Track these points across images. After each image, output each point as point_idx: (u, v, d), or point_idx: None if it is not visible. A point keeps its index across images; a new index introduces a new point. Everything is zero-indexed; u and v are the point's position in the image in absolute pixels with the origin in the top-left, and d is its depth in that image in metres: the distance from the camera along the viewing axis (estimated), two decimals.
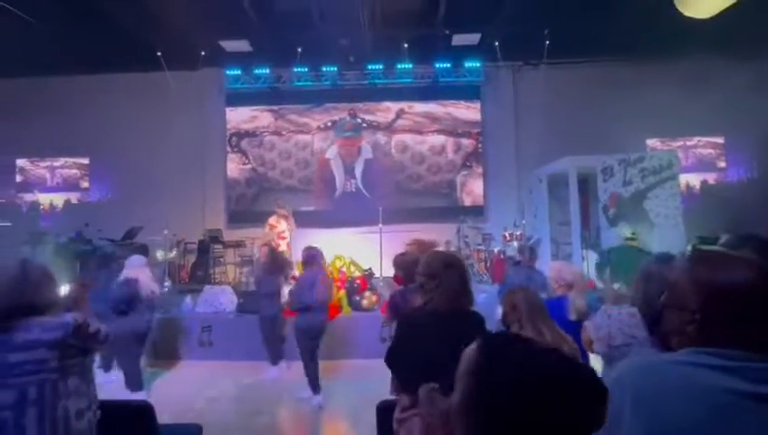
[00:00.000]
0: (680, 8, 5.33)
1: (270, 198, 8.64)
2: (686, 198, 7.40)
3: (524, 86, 8.95)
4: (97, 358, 3.83)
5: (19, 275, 1.54)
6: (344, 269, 6.23)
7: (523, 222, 8.06)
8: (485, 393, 0.61)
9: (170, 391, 4.35)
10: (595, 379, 0.62)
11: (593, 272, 5.69)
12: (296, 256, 6.50)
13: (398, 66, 8.61)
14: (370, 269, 6.91)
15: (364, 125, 8.96)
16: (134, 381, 4.04)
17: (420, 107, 8.97)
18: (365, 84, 8.92)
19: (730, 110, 7.98)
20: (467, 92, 9.05)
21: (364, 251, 7.43)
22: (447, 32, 7.72)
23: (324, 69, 8.62)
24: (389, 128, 8.96)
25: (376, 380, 2.48)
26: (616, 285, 4.40)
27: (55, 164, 9.26)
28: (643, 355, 1.15)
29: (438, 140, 8.83)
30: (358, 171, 8.79)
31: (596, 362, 1.85)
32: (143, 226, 7.44)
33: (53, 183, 9.25)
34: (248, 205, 8.92)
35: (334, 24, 7.00)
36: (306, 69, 8.54)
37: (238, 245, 8.17)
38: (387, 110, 8.99)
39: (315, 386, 3.89)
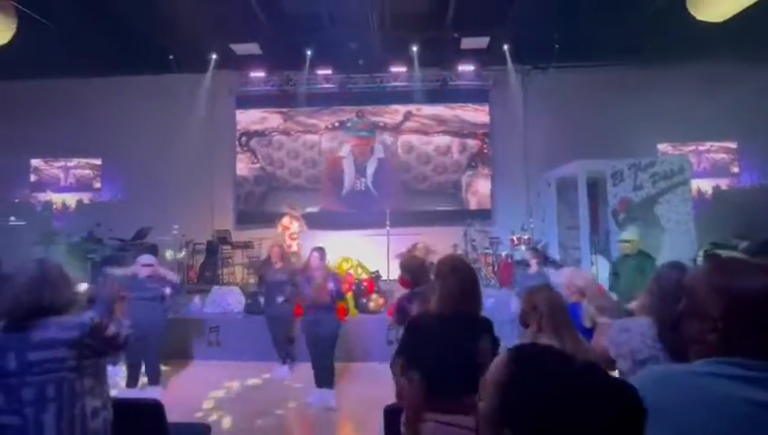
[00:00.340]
0: (693, 12, 5.28)
1: (278, 197, 8.75)
2: (697, 204, 7.29)
3: (533, 90, 8.91)
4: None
5: (37, 274, 1.56)
6: (351, 271, 6.24)
7: (531, 221, 7.99)
8: (517, 407, 0.60)
9: (178, 391, 4.39)
10: (635, 397, 0.59)
11: (603, 278, 5.63)
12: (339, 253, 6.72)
13: (407, 69, 8.63)
14: (377, 271, 6.91)
15: (380, 124, 9.02)
16: (154, 375, 4.12)
17: (428, 110, 9.00)
18: (373, 87, 8.97)
19: (743, 114, 7.87)
20: (476, 96, 9.05)
21: (371, 253, 7.44)
22: (456, 35, 7.73)
23: (333, 72, 8.68)
24: (396, 129, 9.02)
25: (382, 382, 2.48)
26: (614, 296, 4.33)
27: (69, 164, 9.42)
28: (663, 366, 1.12)
29: (444, 140, 8.87)
30: (370, 170, 8.85)
31: None
32: (153, 226, 7.53)
33: (66, 183, 9.41)
34: (256, 204, 9.01)
35: (343, 27, 7.04)
36: (316, 72, 8.60)
37: (246, 246, 8.22)
38: (395, 112, 9.05)
39: (331, 381, 3.93)
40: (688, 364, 0.79)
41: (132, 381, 4.12)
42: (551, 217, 7.69)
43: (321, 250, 4.12)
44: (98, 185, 9.38)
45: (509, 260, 7.29)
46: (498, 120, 9.06)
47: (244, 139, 9.06)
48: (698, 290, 0.81)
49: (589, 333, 2.16)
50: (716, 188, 8.97)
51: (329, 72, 8.68)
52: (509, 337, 3.72)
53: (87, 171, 9.43)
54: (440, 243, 7.14)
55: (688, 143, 9.01)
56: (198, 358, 5.30)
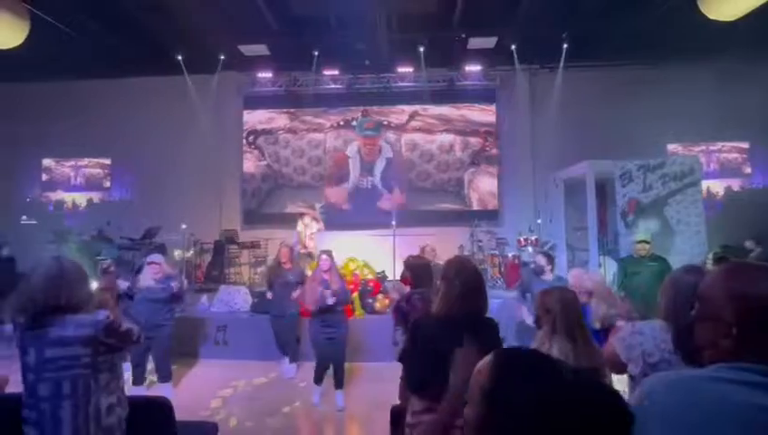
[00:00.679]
0: (704, 11, 5.21)
1: (284, 195, 8.88)
2: (708, 205, 7.18)
3: (541, 89, 8.85)
4: None
5: (54, 273, 1.58)
6: (357, 272, 6.25)
7: (539, 221, 7.94)
8: (501, 413, 0.59)
9: (186, 390, 4.42)
10: (620, 405, 0.58)
11: (612, 282, 5.57)
12: (345, 253, 6.75)
13: (414, 70, 8.63)
14: (383, 272, 6.91)
15: (384, 122, 9.05)
16: (165, 373, 4.16)
17: (434, 110, 9.02)
18: (380, 88, 8.98)
19: (755, 113, 7.74)
20: (483, 96, 9.03)
21: (377, 254, 7.44)
22: (463, 35, 7.70)
23: (340, 73, 8.71)
24: (401, 128, 9.07)
25: (388, 383, 2.48)
26: (621, 294, 4.24)
27: (79, 164, 9.57)
28: (674, 371, 1.10)
29: (447, 138, 8.94)
30: (378, 169, 8.90)
31: (619, 384, 1.77)
32: (161, 225, 7.61)
33: (77, 182, 9.55)
34: (263, 201, 9.12)
35: (351, 28, 7.06)
36: (323, 73, 8.63)
37: (253, 245, 8.27)
38: (400, 112, 9.08)
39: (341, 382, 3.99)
40: (701, 369, 0.77)
41: (138, 379, 4.16)
42: (558, 217, 7.63)
43: (329, 254, 4.14)
44: (107, 184, 9.51)
45: (516, 261, 7.25)
46: (505, 121, 9.01)
47: (251, 137, 9.17)
48: (712, 294, 0.80)
49: (597, 334, 2.14)
50: (728, 190, 8.84)
51: (336, 72, 8.71)
52: (516, 339, 3.70)
53: (97, 171, 9.57)
54: (446, 243, 7.13)
55: (699, 143, 8.89)
56: (206, 357, 5.34)
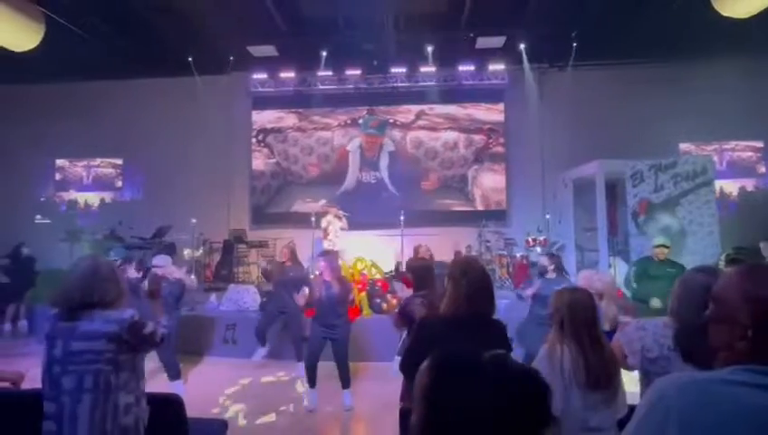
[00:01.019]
0: (718, 8, 5.13)
1: (292, 193, 9.01)
2: (721, 205, 7.06)
3: (550, 89, 8.79)
4: None
5: (89, 271, 1.64)
6: (365, 271, 6.26)
7: (547, 218, 7.87)
8: (434, 416, 0.61)
9: (195, 387, 4.47)
10: (542, 402, 0.61)
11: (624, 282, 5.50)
12: (353, 253, 7.03)
13: (422, 70, 8.63)
14: (391, 272, 6.92)
15: (390, 120, 9.11)
16: (174, 372, 4.21)
17: (441, 109, 9.04)
18: (388, 88, 9.00)
19: None
20: (491, 95, 9.00)
21: (385, 253, 7.45)
22: (472, 35, 7.68)
23: (348, 73, 8.74)
24: (407, 127, 9.14)
25: (396, 382, 2.48)
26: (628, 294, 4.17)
27: (92, 164, 9.73)
28: (687, 372, 1.09)
29: (451, 136, 9.00)
30: (383, 163, 9.01)
31: (629, 381, 1.75)
32: (172, 225, 7.70)
33: (89, 182, 9.72)
34: (272, 198, 9.22)
35: (359, 28, 7.08)
36: (330, 73, 8.67)
37: (261, 245, 8.34)
38: (407, 111, 9.12)
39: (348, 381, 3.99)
40: (715, 372, 0.76)
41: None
42: (567, 218, 7.56)
43: (329, 255, 4.16)
44: (119, 184, 9.66)
45: (524, 262, 7.20)
46: (514, 120, 8.96)
47: (261, 135, 9.30)
48: (728, 296, 0.79)
49: (607, 336, 2.11)
50: (742, 189, 8.68)
51: (344, 73, 8.75)
52: (525, 339, 3.68)
53: (109, 171, 9.72)
54: (454, 244, 7.12)
55: (712, 142, 8.74)
56: (215, 355, 5.39)
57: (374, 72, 8.83)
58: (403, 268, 6.86)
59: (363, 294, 5.75)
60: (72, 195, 9.68)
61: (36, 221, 9.08)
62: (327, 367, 4.01)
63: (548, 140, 8.75)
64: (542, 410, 0.61)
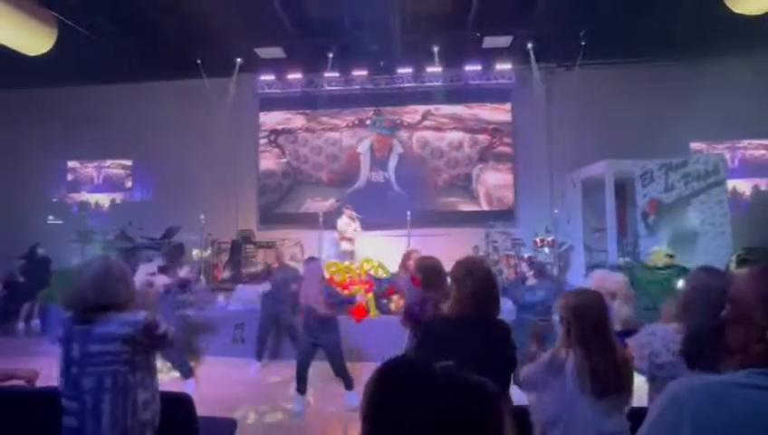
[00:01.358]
0: (729, 5, 5.05)
1: (304, 191, 9.14)
2: (733, 205, 6.94)
3: (558, 88, 8.71)
4: None
5: (102, 273, 1.67)
6: (372, 272, 6.27)
7: (555, 211, 7.80)
8: (380, 428, 0.61)
9: (204, 386, 4.50)
10: (489, 413, 0.60)
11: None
12: (361, 253, 7.31)
13: (428, 70, 8.61)
14: (397, 272, 6.90)
15: (397, 121, 9.17)
16: (185, 370, 4.27)
17: (447, 109, 9.04)
18: (395, 88, 9.00)
19: None
20: (498, 95, 8.95)
21: (392, 254, 7.44)
22: (478, 34, 7.65)
23: (355, 74, 8.77)
24: (413, 127, 9.19)
25: None
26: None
27: (102, 165, 9.88)
28: (700, 375, 1.07)
29: (456, 136, 9.05)
30: (392, 164, 9.08)
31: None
32: (181, 225, 7.78)
33: (100, 182, 9.87)
34: (283, 196, 9.31)
35: (365, 29, 7.09)
36: (337, 74, 8.71)
37: (268, 245, 8.38)
38: (413, 112, 9.14)
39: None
40: (729, 374, 0.76)
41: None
42: (576, 218, 7.50)
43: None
44: (129, 185, 9.78)
45: (532, 262, 7.15)
46: (521, 120, 8.91)
47: (272, 136, 9.41)
48: (744, 297, 0.78)
49: (620, 337, 2.06)
50: (755, 189, 8.53)
51: (350, 73, 8.77)
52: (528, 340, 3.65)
53: (119, 172, 9.85)
54: (461, 244, 7.09)
55: (724, 141, 8.60)
56: (223, 355, 5.43)
57: (381, 73, 8.83)
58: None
59: (370, 295, 5.76)
60: (84, 196, 9.83)
61: (49, 222, 9.24)
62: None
63: (556, 140, 8.68)
64: (489, 421, 0.60)
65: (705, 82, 7.61)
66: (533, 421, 1.71)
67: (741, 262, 5.06)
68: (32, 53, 6.17)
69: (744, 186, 8.52)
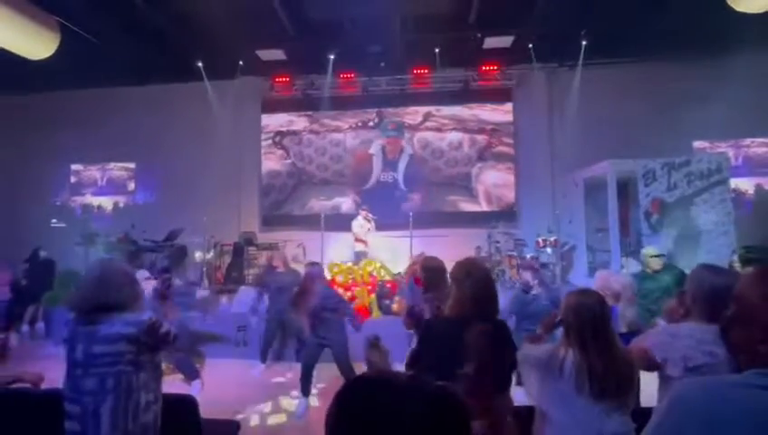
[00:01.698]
0: (732, 3, 5.04)
1: (309, 191, 9.25)
2: (737, 204, 6.91)
3: (559, 88, 8.71)
4: None
5: (101, 274, 1.67)
6: (374, 273, 6.26)
7: (557, 212, 7.79)
8: None
9: (207, 389, 4.50)
10: (446, 410, 0.59)
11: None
12: (374, 253, 7.41)
13: (429, 71, 8.63)
14: (400, 273, 6.90)
15: (402, 122, 9.24)
16: (190, 372, 4.28)
17: (448, 110, 9.07)
18: (396, 90, 9.02)
19: None
20: (499, 95, 8.95)
21: (395, 255, 7.45)
22: (479, 35, 7.65)
23: (356, 75, 8.79)
24: (414, 128, 9.25)
25: None
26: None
27: (106, 168, 9.92)
28: (706, 377, 1.07)
29: (456, 136, 9.13)
30: (402, 165, 9.17)
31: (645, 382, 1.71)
32: (184, 228, 7.81)
33: (103, 186, 9.91)
34: (288, 196, 9.37)
35: (366, 31, 7.10)
36: (338, 76, 8.73)
37: (271, 247, 8.38)
38: (415, 113, 9.17)
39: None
40: (735, 375, 0.76)
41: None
42: (578, 218, 7.48)
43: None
44: (132, 188, 9.82)
45: (534, 262, 7.14)
46: (523, 120, 8.91)
47: (277, 137, 9.49)
48: (749, 298, 0.78)
49: (625, 338, 2.05)
50: (758, 187, 8.50)
51: (352, 75, 8.79)
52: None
53: (122, 173, 9.90)
54: (463, 245, 7.09)
55: (728, 140, 8.57)
56: (226, 357, 5.43)
57: (382, 75, 8.85)
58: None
59: (373, 296, 5.75)
60: (87, 199, 9.87)
61: (52, 225, 9.28)
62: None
63: (558, 140, 8.67)
64: (455, 426, 0.59)
65: (706, 81, 7.59)
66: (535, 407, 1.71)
67: (746, 262, 5.03)
68: (34, 58, 6.20)
69: (747, 184, 8.49)
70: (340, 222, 8.51)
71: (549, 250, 7.30)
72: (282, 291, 4.86)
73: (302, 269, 5.10)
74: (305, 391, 3.93)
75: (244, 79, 8.96)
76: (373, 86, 9.01)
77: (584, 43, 7.63)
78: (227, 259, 8.46)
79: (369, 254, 7.59)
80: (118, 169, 9.90)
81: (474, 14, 6.81)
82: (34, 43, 6.03)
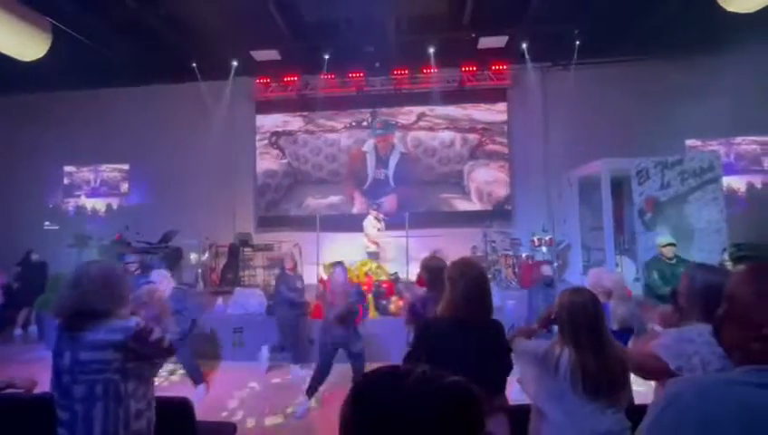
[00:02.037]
0: (722, 3, 5.09)
1: (305, 190, 9.27)
2: (729, 202, 6.98)
3: (553, 87, 8.76)
4: None
5: (79, 279, 1.62)
6: (371, 273, 6.27)
7: (552, 211, 7.83)
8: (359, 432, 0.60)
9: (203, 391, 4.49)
10: (461, 403, 0.59)
11: (629, 280, 5.43)
12: (385, 254, 7.40)
13: (424, 71, 8.64)
14: (396, 274, 6.92)
15: (393, 122, 9.27)
16: (196, 374, 4.26)
17: (441, 110, 9.11)
18: (391, 90, 9.02)
19: None
20: (493, 95, 8.99)
21: (391, 255, 7.45)
22: (473, 35, 7.67)
23: (351, 75, 8.78)
24: (408, 127, 9.29)
25: None
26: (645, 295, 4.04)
27: (99, 169, 9.84)
28: (699, 375, 1.07)
29: (448, 135, 9.21)
30: (392, 162, 9.22)
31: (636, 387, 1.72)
32: (179, 229, 7.75)
33: (97, 187, 9.82)
34: (284, 196, 9.36)
35: (361, 31, 7.10)
36: (333, 76, 8.71)
37: (266, 248, 8.37)
38: (409, 112, 9.21)
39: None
40: (729, 372, 0.76)
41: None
42: (573, 217, 7.52)
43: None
44: (126, 189, 9.75)
45: (530, 262, 7.18)
46: (517, 120, 8.94)
47: (273, 138, 9.47)
48: (740, 294, 0.78)
49: (617, 336, 2.07)
50: (749, 185, 8.59)
51: (346, 75, 8.78)
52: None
53: (116, 174, 9.82)
54: (459, 245, 7.10)
55: (719, 138, 8.66)
56: (222, 359, 5.42)
57: (377, 75, 8.85)
58: (403, 275, 6.89)
59: (369, 296, 5.75)
60: (80, 201, 9.78)
61: (45, 227, 9.19)
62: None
63: (552, 140, 8.71)
64: (470, 419, 0.59)
65: (699, 79, 7.66)
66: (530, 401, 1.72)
67: (737, 259, 5.08)
68: (26, 59, 6.13)
69: (738, 183, 8.58)
70: (341, 222, 8.51)
71: (544, 249, 7.34)
72: (293, 291, 4.85)
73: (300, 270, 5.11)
74: (312, 394, 3.89)
75: (239, 79, 8.92)
76: (368, 86, 9.01)
77: (577, 42, 7.68)
78: (223, 261, 8.42)
79: (382, 255, 7.57)
80: (111, 171, 9.82)
81: (468, 15, 6.83)
82: (26, 43, 5.97)
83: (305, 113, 9.33)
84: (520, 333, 1.93)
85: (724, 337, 0.82)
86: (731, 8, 5.26)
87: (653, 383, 1.66)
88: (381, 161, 9.25)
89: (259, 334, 5.48)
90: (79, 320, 1.56)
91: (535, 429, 1.70)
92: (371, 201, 8.80)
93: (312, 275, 6.93)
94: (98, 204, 9.77)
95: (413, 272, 7.34)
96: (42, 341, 6.08)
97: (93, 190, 9.82)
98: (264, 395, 4.39)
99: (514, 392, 2.17)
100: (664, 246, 4.32)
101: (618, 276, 3.09)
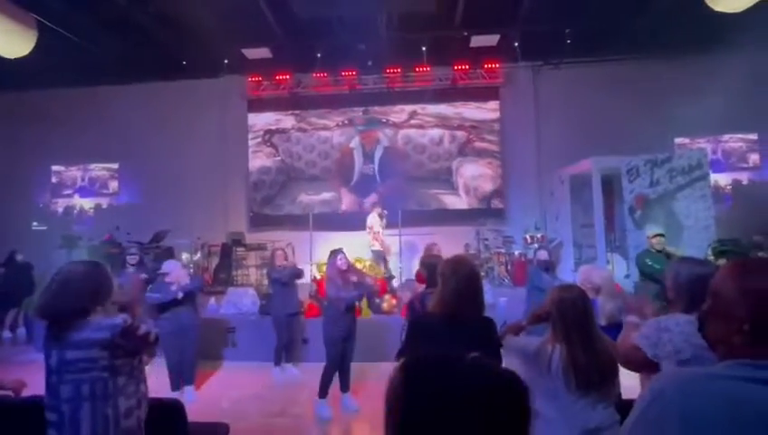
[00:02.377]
0: (710, 3, 5.16)
1: (298, 186, 9.26)
2: (717, 199, 7.10)
3: (545, 86, 8.81)
4: None
5: (63, 278, 1.61)
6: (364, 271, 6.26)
7: (544, 209, 7.89)
8: (408, 416, 0.61)
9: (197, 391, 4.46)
10: (512, 390, 0.60)
11: (620, 277, 5.49)
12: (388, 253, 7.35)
13: (416, 69, 8.64)
14: (389, 272, 6.93)
15: (383, 120, 9.29)
16: (192, 374, 4.29)
17: (433, 108, 9.13)
18: (383, 88, 9.01)
19: (763, 105, 7.65)
20: (485, 94, 9.02)
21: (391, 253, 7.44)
22: (465, 33, 7.69)
23: (343, 74, 8.76)
24: (399, 125, 9.33)
25: None
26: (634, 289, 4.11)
27: (88, 168, 9.70)
28: (687, 368, 1.08)
29: (437, 133, 9.27)
30: (377, 156, 9.26)
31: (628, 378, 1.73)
32: (170, 229, 7.68)
33: (86, 187, 9.69)
34: (277, 193, 9.33)
35: (353, 29, 7.08)
36: (325, 74, 8.68)
37: (259, 247, 8.32)
38: (400, 111, 9.22)
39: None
40: (712, 367, 0.77)
41: (175, 385, 4.19)
42: (564, 215, 7.59)
43: (340, 250, 4.02)
44: (116, 189, 9.62)
45: (523, 259, 7.23)
46: (509, 118, 8.98)
47: (267, 136, 9.43)
48: (724, 290, 0.79)
49: (605, 331, 2.10)
50: (735, 182, 8.74)
51: (338, 73, 8.76)
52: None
53: (105, 173, 9.69)
54: (452, 243, 7.13)
55: (707, 136, 8.79)
56: (215, 358, 5.38)
57: (369, 73, 8.83)
58: (396, 273, 6.89)
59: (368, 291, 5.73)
60: (69, 201, 9.64)
61: (33, 228, 9.04)
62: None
63: (544, 138, 8.78)
64: (520, 407, 0.61)
65: (687, 79, 7.77)
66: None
67: (719, 254, 5.16)
68: (10, 56, 6.02)
69: (725, 180, 8.73)
70: (333, 220, 8.50)
71: (536, 246, 7.39)
72: (286, 286, 4.80)
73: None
74: (325, 393, 3.79)
75: (230, 77, 8.85)
76: (360, 84, 8.99)
77: (569, 41, 7.74)
78: (215, 260, 8.36)
79: (385, 253, 7.51)
80: (100, 170, 9.69)
81: (460, 13, 6.85)
82: (10, 41, 5.85)
83: (297, 111, 9.29)
84: (509, 329, 1.94)
85: (708, 332, 0.83)
86: (718, 8, 5.33)
87: (639, 377, 1.69)
88: (368, 156, 9.28)
89: (252, 334, 5.46)
90: (64, 319, 1.55)
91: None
92: (360, 199, 8.78)
93: (305, 274, 6.90)
94: (87, 203, 9.63)
95: (406, 270, 7.39)
96: (30, 343, 5.99)
97: (82, 190, 9.68)
98: (258, 395, 4.37)
99: None
100: (653, 236, 4.38)
101: (607, 273, 3.14)
